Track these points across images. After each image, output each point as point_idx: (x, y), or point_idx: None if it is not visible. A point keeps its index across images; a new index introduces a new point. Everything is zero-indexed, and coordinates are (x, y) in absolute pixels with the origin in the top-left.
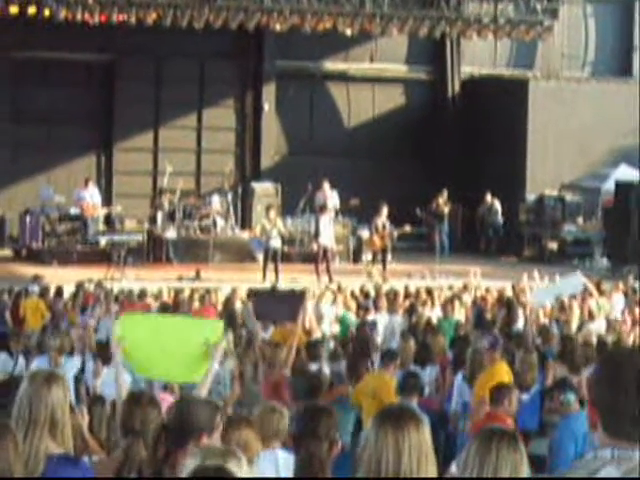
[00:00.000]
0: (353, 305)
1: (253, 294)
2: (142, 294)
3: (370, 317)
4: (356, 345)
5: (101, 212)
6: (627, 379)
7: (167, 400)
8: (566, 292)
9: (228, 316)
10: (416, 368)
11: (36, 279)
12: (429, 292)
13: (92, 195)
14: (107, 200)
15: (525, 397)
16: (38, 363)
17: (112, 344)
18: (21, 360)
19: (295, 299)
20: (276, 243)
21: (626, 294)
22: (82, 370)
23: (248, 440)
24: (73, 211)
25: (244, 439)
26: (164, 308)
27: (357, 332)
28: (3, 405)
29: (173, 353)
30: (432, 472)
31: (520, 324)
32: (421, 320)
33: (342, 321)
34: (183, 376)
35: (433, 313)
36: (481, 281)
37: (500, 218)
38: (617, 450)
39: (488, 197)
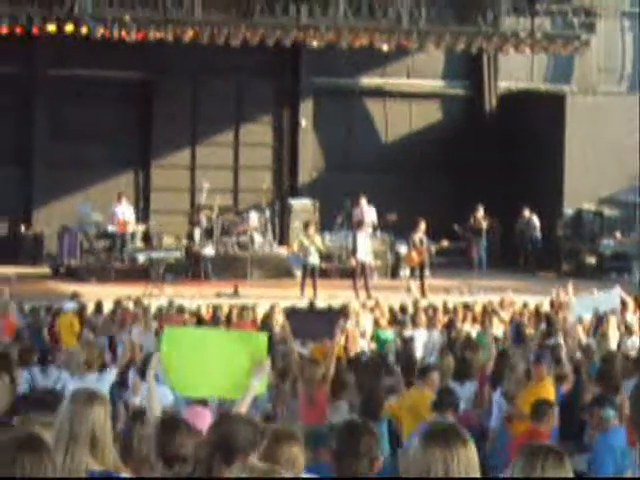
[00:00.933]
0: (388, 321)
1: (291, 312)
2: (180, 310)
3: (408, 333)
4: (401, 361)
5: (135, 228)
6: None
7: (205, 415)
8: (604, 306)
9: (266, 332)
10: (455, 384)
11: (74, 296)
12: (467, 307)
13: (124, 211)
14: (145, 217)
15: None
16: (74, 378)
17: (153, 359)
18: (61, 375)
19: (333, 316)
20: (314, 259)
21: None
22: (120, 385)
23: (296, 456)
24: (110, 228)
25: (293, 455)
26: (200, 322)
27: (402, 348)
28: (46, 423)
29: (217, 368)
30: None
31: (559, 339)
32: (460, 335)
33: (377, 338)
34: (227, 392)
35: (472, 328)
36: (518, 297)
37: (538, 233)
38: None
39: (526, 212)
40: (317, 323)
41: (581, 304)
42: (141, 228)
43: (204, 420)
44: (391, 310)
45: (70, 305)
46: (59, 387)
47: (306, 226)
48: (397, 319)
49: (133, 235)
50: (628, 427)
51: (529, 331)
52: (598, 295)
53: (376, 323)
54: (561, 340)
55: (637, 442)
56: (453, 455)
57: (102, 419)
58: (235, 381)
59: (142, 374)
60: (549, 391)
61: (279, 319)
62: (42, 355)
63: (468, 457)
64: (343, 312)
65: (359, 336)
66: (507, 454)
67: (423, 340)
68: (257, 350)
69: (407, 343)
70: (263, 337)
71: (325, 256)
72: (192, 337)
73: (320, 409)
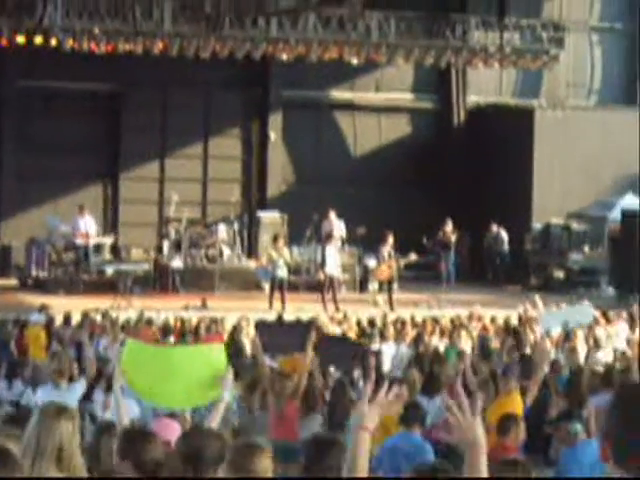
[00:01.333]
0: (357, 334)
1: (261, 325)
2: (148, 322)
3: (376, 346)
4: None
5: (100, 240)
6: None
7: (174, 428)
8: (574, 321)
9: (235, 345)
10: (423, 398)
11: (43, 309)
12: (435, 321)
13: (87, 223)
14: (113, 229)
15: None
16: (42, 390)
17: (115, 371)
18: (27, 389)
19: (303, 329)
20: (282, 272)
21: (631, 323)
22: (87, 397)
23: (266, 469)
24: (79, 241)
25: (263, 467)
26: (165, 331)
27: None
28: (11, 435)
29: (178, 379)
30: None
31: (526, 352)
32: (427, 349)
33: None
34: (188, 402)
35: (440, 342)
36: (486, 311)
37: (506, 247)
38: None
39: (494, 227)
40: (287, 336)
41: (551, 318)
42: (109, 240)
43: (172, 432)
44: (359, 323)
45: (37, 317)
46: (23, 401)
47: (275, 239)
48: (365, 332)
49: (99, 247)
50: (602, 442)
51: (495, 345)
52: (568, 309)
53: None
54: (529, 353)
55: (610, 458)
56: None
57: (70, 433)
58: (196, 391)
59: (109, 387)
60: (516, 405)
61: (247, 332)
62: (9, 368)
63: None
64: (313, 325)
65: None
66: None
67: (391, 353)
68: (216, 360)
69: (375, 356)
70: (220, 347)
71: (293, 269)
72: (151, 351)
73: (290, 424)
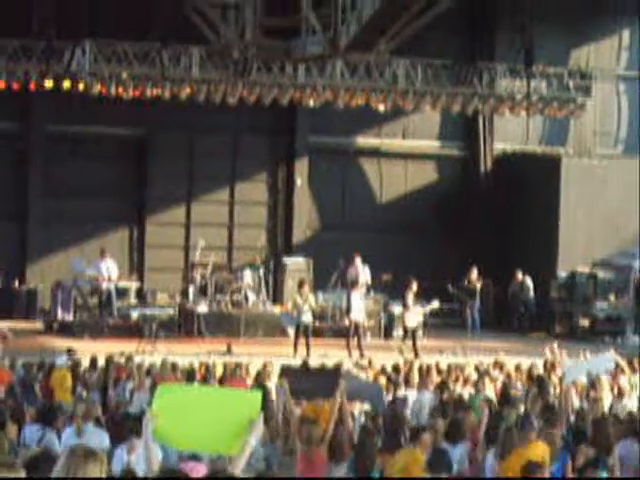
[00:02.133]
0: (383, 381)
1: (287, 371)
2: (173, 368)
3: (400, 393)
4: (388, 421)
5: (127, 284)
6: None
7: (199, 470)
8: (598, 369)
9: (260, 390)
10: (447, 445)
11: (69, 352)
12: (460, 368)
13: (108, 267)
14: (139, 273)
15: None
16: (67, 433)
17: (145, 417)
18: (49, 433)
19: (330, 375)
20: (307, 318)
21: None
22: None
23: None
24: (105, 285)
25: None
26: (189, 377)
27: (389, 408)
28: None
29: (211, 424)
30: None
31: (551, 400)
32: (452, 397)
33: None
34: (221, 448)
35: (464, 390)
36: (510, 358)
37: (532, 295)
38: None
39: (519, 274)
40: (313, 382)
41: (575, 368)
42: (135, 284)
43: (198, 475)
44: (383, 370)
45: (62, 360)
46: (46, 444)
47: (300, 285)
48: (390, 379)
49: (124, 291)
50: None
51: (515, 392)
52: (591, 358)
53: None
54: (554, 402)
55: None
56: None
57: (97, 477)
58: (228, 437)
59: (134, 432)
60: (538, 453)
61: (272, 377)
62: (39, 413)
63: None
64: (339, 371)
65: None
66: None
67: (413, 400)
68: (251, 407)
69: (398, 403)
70: (257, 395)
71: (318, 315)
72: (185, 393)
73: (319, 471)
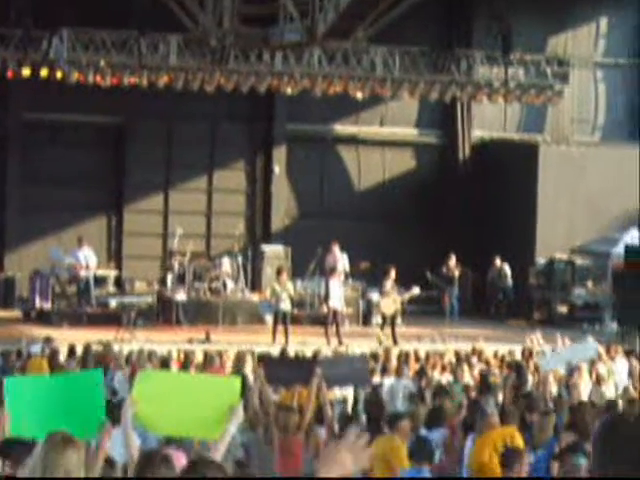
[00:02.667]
0: None
1: (265, 359)
2: (150, 356)
3: (377, 380)
4: (368, 408)
5: (105, 272)
6: (620, 444)
7: (179, 457)
8: (578, 358)
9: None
10: (424, 431)
11: (47, 341)
12: (439, 355)
13: (86, 255)
14: (117, 262)
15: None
16: None
17: (125, 403)
18: None
19: (308, 364)
20: (286, 306)
21: (630, 358)
22: None
23: None
24: (82, 273)
25: None
26: (164, 365)
27: (370, 395)
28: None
29: (191, 409)
30: None
31: (529, 387)
32: (431, 383)
33: None
34: (202, 433)
35: (442, 377)
36: (489, 345)
37: (510, 282)
38: None
39: (497, 261)
40: (291, 370)
41: (554, 357)
42: (113, 273)
43: (178, 462)
44: None
45: (37, 348)
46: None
47: (278, 273)
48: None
49: (102, 279)
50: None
51: (494, 380)
52: (572, 347)
53: None
54: (532, 389)
55: None
56: None
57: (76, 464)
58: (208, 422)
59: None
60: (511, 436)
61: (251, 365)
62: None
63: None
64: (316, 358)
65: None
66: None
67: (387, 387)
68: (230, 394)
69: (376, 390)
70: (236, 381)
71: (297, 303)
72: (165, 380)
73: (296, 459)
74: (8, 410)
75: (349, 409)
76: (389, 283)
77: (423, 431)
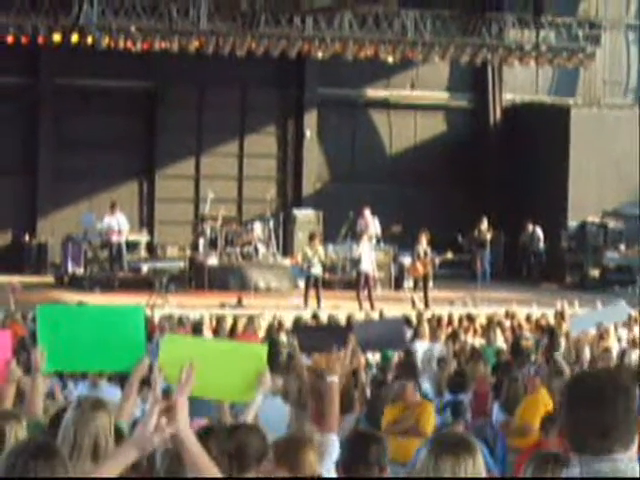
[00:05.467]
0: None
1: (297, 326)
2: (180, 322)
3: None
4: (401, 370)
5: (137, 237)
6: (585, 394)
7: (199, 424)
8: (608, 320)
9: (271, 343)
10: (450, 395)
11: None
12: (471, 319)
13: (118, 221)
14: (149, 227)
15: None
16: (80, 388)
17: (154, 369)
18: (70, 386)
19: (341, 330)
20: (317, 270)
21: None
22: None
23: (312, 462)
24: (115, 238)
25: (310, 460)
26: (196, 330)
27: (404, 358)
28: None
29: (217, 374)
30: None
31: (562, 351)
32: (464, 347)
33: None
34: (230, 396)
35: (475, 340)
36: (521, 309)
37: (542, 245)
38: (584, 464)
39: (529, 225)
40: (324, 336)
41: (585, 319)
42: (145, 238)
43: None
44: None
45: None
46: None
47: (311, 238)
48: None
49: (134, 245)
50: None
51: (526, 343)
52: (602, 309)
53: None
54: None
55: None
56: (461, 465)
57: (106, 427)
58: (236, 386)
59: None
60: (544, 403)
61: (284, 330)
62: None
63: (475, 469)
64: (350, 324)
65: None
66: (503, 464)
67: (423, 351)
68: (256, 361)
69: (409, 355)
70: (262, 348)
71: (329, 267)
72: (191, 345)
73: (330, 422)
74: (42, 344)
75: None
76: (421, 247)
77: (448, 396)
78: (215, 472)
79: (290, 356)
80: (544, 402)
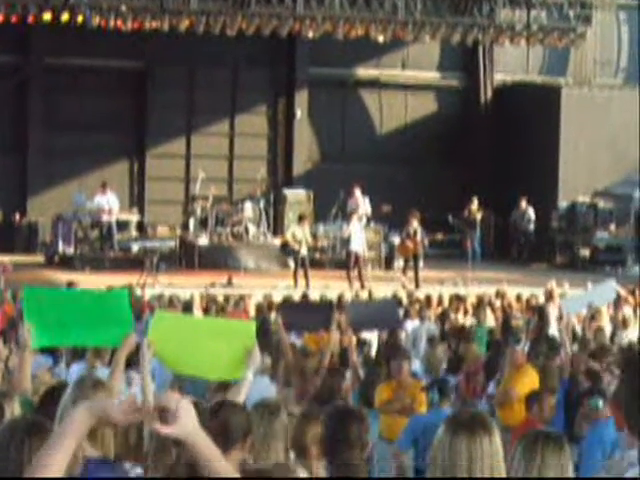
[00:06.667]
0: None
1: (284, 305)
2: (171, 302)
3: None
4: (389, 350)
5: (128, 217)
6: None
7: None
8: (599, 300)
9: (261, 323)
10: (448, 376)
11: (70, 285)
12: (461, 299)
13: (109, 200)
14: (139, 206)
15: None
16: (75, 368)
17: (143, 345)
18: (62, 365)
19: (327, 308)
20: (303, 250)
21: None
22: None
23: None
24: (105, 218)
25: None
26: (186, 309)
27: (389, 338)
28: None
29: (207, 351)
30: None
31: (552, 330)
32: (456, 326)
33: None
34: (220, 373)
35: (465, 320)
36: (511, 289)
37: (532, 225)
38: None
39: (523, 204)
40: (311, 315)
41: (576, 298)
42: (135, 217)
43: None
44: None
45: None
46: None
47: (300, 219)
48: None
49: (125, 224)
50: (615, 412)
51: (516, 322)
52: (592, 289)
53: None
54: (555, 331)
55: (624, 425)
56: (477, 444)
57: None
58: (225, 364)
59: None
60: (530, 379)
61: (273, 309)
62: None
63: (492, 447)
64: (335, 303)
65: None
66: None
67: (411, 330)
68: (245, 337)
69: (394, 333)
70: (251, 325)
71: (319, 247)
72: (181, 322)
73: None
74: (29, 322)
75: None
76: (412, 227)
77: (444, 375)
78: (232, 472)
79: (275, 334)
80: (530, 377)
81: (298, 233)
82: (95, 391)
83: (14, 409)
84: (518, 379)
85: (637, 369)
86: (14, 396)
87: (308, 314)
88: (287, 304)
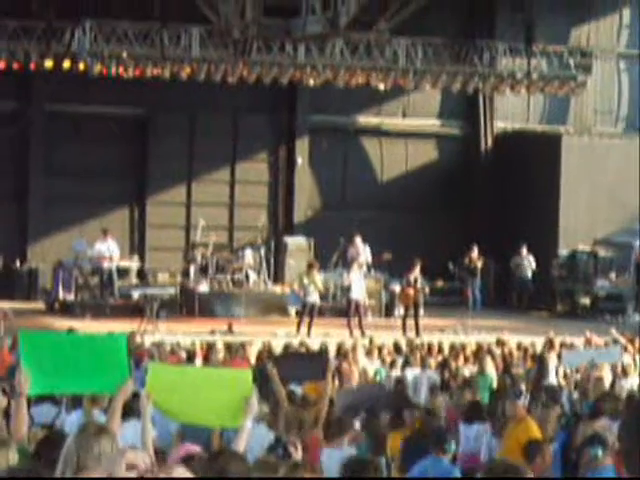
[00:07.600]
0: (387, 359)
1: (279, 358)
2: (172, 350)
3: (399, 372)
4: (392, 400)
5: (127, 264)
6: None
7: (192, 450)
8: (601, 359)
9: (260, 371)
10: (464, 425)
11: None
12: (462, 347)
13: (109, 247)
14: (140, 253)
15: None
16: (73, 416)
17: (142, 396)
18: (61, 412)
19: (321, 358)
20: (314, 298)
21: None
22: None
23: None
24: (106, 265)
25: None
26: (190, 357)
27: (395, 386)
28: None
29: (205, 401)
30: None
31: (551, 379)
32: (458, 375)
33: (376, 374)
34: (219, 421)
35: (465, 368)
36: (512, 337)
37: (530, 273)
38: None
39: (524, 250)
40: (306, 365)
41: (578, 355)
42: (135, 264)
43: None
44: (379, 349)
45: None
46: (57, 424)
47: (309, 266)
48: (392, 358)
49: (125, 271)
50: (616, 461)
51: (516, 371)
52: (597, 349)
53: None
54: (554, 380)
55: (625, 473)
56: None
57: (109, 452)
58: (224, 412)
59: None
60: (531, 430)
61: (273, 357)
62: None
63: None
64: (340, 353)
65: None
66: None
67: (411, 379)
68: (242, 386)
69: (400, 382)
70: (247, 373)
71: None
72: (176, 373)
73: (311, 453)
74: (25, 368)
75: None
76: (412, 275)
77: (461, 425)
78: None
79: (269, 384)
80: (530, 433)
81: (305, 279)
82: (98, 438)
83: (10, 457)
84: (520, 433)
85: (638, 416)
86: (11, 444)
87: (303, 364)
88: (281, 356)
